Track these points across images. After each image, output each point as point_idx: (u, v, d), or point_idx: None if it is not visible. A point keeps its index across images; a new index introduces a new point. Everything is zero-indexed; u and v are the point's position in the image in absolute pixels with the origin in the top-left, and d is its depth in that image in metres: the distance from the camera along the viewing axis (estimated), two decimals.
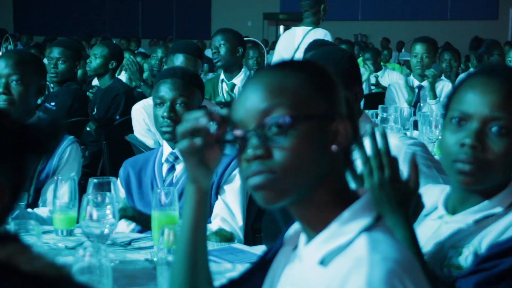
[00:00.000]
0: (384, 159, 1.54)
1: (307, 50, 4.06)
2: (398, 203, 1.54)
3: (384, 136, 1.55)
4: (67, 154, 2.90)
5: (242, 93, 1.27)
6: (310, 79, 1.26)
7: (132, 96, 5.38)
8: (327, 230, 1.24)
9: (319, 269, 1.23)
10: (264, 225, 2.91)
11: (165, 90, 2.79)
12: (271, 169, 1.21)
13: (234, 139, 1.26)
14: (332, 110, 1.25)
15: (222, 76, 4.93)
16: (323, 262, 1.23)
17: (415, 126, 4.44)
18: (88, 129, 4.95)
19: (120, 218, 2.51)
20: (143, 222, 2.60)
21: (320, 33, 5.88)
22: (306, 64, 1.32)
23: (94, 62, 5.27)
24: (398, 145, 2.35)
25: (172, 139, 2.79)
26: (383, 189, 1.53)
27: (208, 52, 12.40)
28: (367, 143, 1.53)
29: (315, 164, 1.23)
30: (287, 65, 1.30)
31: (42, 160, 2.86)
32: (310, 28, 6.05)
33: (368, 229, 1.23)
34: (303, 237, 1.30)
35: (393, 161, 1.55)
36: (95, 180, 2.39)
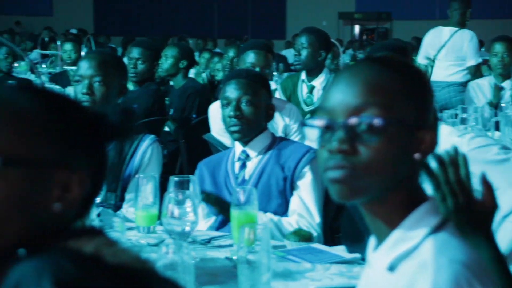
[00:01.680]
0: (455, 187, 1.49)
1: (375, 50, 4.02)
2: (477, 224, 1.50)
3: (454, 163, 1.49)
4: (149, 153, 2.96)
5: (337, 82, 1.25)
6: (408, 83, 1.24)
7: (207, 94, 5.44)
8: (394, 234, 1.23)
9: (388, 275, 1.22)
10: (342, 225, 2.90)
11: (230, 90, 2.82)
12: (354, 165, 1.20)
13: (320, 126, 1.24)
14: (423, 118, 1.24)
15: (303, 76, 4.91)
16: (392, 268, 1.22)
17: (497, 127, 4.35)
18: (167, 129, 5.02)
19: (202, 200, 2.55)
20: (223, 210, 2.62)
21: (467, 34, 6.31)
22: (406, 67, 1.29)
23: (165, 63, 5.35)
24: (459, 143, 2.29)
25: (241, 138, 2.82)
26: (459, 214, 1.49)
27: (286, 52, 12.44)
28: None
29: (396, 168, 1.22)
30: (388, 63, 1.28)
31: (125, 159, 2.92)
32: (457, 28, 6.37)
33: (434, 231, 1.21)
34: (372, 242, 1.30)
35: (465, 187, 1.50)
36: (176, 179, 2.44)
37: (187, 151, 4.50)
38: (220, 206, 2.66)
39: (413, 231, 1.21)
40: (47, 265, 0.93)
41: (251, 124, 2.81)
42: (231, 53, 6.11)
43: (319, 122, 1.24)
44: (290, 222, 2.67)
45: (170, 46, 5.67)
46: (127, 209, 2.86)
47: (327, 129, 1.23)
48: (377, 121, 1.20)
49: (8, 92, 1.03)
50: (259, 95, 2.84)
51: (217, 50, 12.59)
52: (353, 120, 1.21)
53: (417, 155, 1.23)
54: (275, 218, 2.67)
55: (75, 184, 1.03)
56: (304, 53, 4.80)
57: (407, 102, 1.23)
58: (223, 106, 2.84)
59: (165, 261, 1.76)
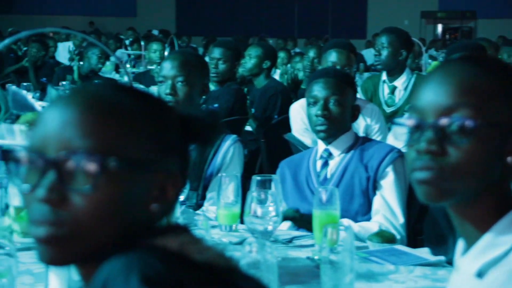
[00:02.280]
0: None
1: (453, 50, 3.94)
2: None
3: None
4: (231, 153, 2.98)
5: (428, 82, 1.23)
6: (503, 83, 1.21)
7: (288, 95, 5.44)
8: (484, 239, 1.19)
9: (476, 282, 1.19)
10: (425, 227, 2.85)
11: (318, 89, 2.81)
12: (442, 167, 1.18)
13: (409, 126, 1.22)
14: None
15: (384, 77, 4.86)
16: (480, 274, 1.19)
17: None
18: (248, 128, 5.05)
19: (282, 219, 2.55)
20: (304, 223, 2.62)
21: None
22: (501, 66, 1.25)
23: (248, 62, 5.37)
24: None
25: (327, 138, 2.81)
26: None
27: (365, 52, 12.34)
28: None
29: (487, 171, 1.19)
30: (481, 62, 1.24)
31: (207, 158, 2.94)
32: None
33: None
34: (460, 245, 1.27)
35: None
36: (258, 178, 2.44)
37: (267, 150, 4.51)
38: (299, 220, 2.66)
39: (504, 237, 1.18)
40: (134, 262, 0.94)
41: (337, 124, 2.80)
42: (311, 54, 6.09)
43: (408, 121, 1.22)
44: (372, 227, 2.63)
45: (254, 46, 5.70)
46: (207, 208, 2.89)
47: (416, 129, 1.21)
48: (468, 123, 1.17)
49: (113, 92, 1.05)
50: (346, 95, 2.83)
51: (297, 50, 12.60)
52: (443, 121, 1.18)
53: (510, 159, 1.19)
54: (356, 227, 2.64)
55: (170, 185, 1.04)
56: (384, 53, 4.74)
57: (501, 103, 1.19)
58: (310, 104, 2.84)
59: (249, 259, 1.76)
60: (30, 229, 1.00)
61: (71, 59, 9.39)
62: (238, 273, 1.03)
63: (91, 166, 0.97)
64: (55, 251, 0.99)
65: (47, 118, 1.02)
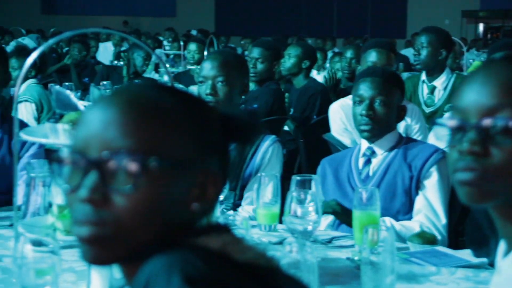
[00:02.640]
0: None
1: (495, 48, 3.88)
2: None
3: None
4: (270, 153, 2.97)
5: (471, 82, 1.22)
6: None
7: (328, 95, 5.42)
8: None
9: None
10: (467, 229, 2.82)
11: (364, 89, 2.80)
12: (484, 168, 1.16)
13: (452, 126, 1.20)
14: None
15: (423, 77, 4.81)
16: None
17: None
18: (286, 128, 5.04)
19: (323, 212, 2.54)
20: (345, 218, 2.61)
21: None
22: None
23: (288, 62, 5.36)
24: None
25: (371, 138, 2.80)
26: None
27: (405, 51, 12.24)
28: None
29: None
30: None
31: (245, 158, 2.95)
32: None
33: None
34: (502, 247, 1.25)
35: None
36: (298, 178, 2.44)
37: (306, 150, 4.50)
38: (340, 214, 2.65)
39: None
40: (176, 261, 0.95)
41: (382, 124, 2.78)
42: (349, 54, 6.06)
43: (450, 122, 1.20)
44: (413, 226, 2.62)
45: (293, 45, 5.69)
46: (243, 207, 2.89)
47: (459, 130, 1.19)
48: None
49: (155, 92, 1.05)
50: (392, 96, 2.81)
51: (336, 49, 12.55)
52: (486, 121, 1.16)
53: None
54: (397, 225, 2.63)
55: (211, 184, 1.05)
56: (424, 52, 4.70)
57: None
58: (355, 103, 2.83)
59: (289, 259, 1.76)
60: (73, 228, 1.02)
61: (117, 59, 9.48)
62: (279, 273, 1.03)
63: (132, 166, 0.98)
64: (98, 250, 1.01)
65: (89, 119, 1.03)
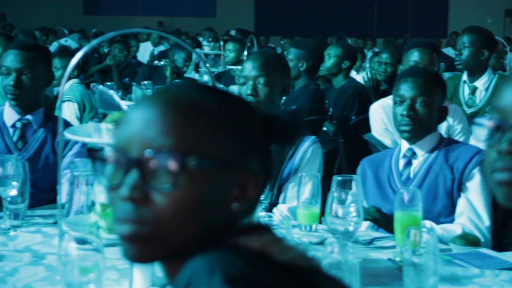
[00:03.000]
0: None
1: None
2: None
3: None
4: (309, 154, 2.97)
5: (510, 82, 1.20)
6: None
7: (367, 95, 5.39)
8: None
9: None
10: (511, 230, 2.79)
11: (406, 89, 2.77)
12: None
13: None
14: None
15: (464, 77, 4.75)
16: None
17: None
18: (325, 128, 5.03)
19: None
20: (384, 224, 2.60)
21: None
22: None
23: (328, 62, 5.34)
24: None
25: (411, 138, 2.77)
26: None
27: (446, 51, 12.12)
28: None
29: None
30: None
31: (284, 159, 2.95)
32: None
33: None
34: None
35: None
36: (339, 178, 2.43)
37: (346, 150, 4.48)
38: (381, 221, 2.63)
39: None
40: (217, 261, 0.95)
41: (423, 125, 2.76)
42: (383, 58, 6.02)
43: (489, 122, 1.19)
44: (455, 230, 2.59)
45: (333, 45, 5.67)
46: (277, 207, 2.89)
47: (497, 130, 1.18)
48: None
49: (197, 92, 1.06)
50: (434, 96, 2.79)
51: (376, 49, 12.46)
52: None
53: None
54: (438, 229, 2.59)
55: (251, 184, 1.05)
56: (465, 52, 4.63)
57: None
58: (396, 103, 2.80)
59: (330, 260, 1.76)
60: (114, 226, 1.03)
61: (158, 59, 9.54)
62: (320, 273, 1.03)
63: (172, 165, 0.99)
64: (139, 248, 1.01)
65: (131, 118, 1.04)
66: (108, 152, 1.04)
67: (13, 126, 3.00)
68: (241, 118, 1.06)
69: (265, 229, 1.06)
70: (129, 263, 1.92)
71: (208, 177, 1.01)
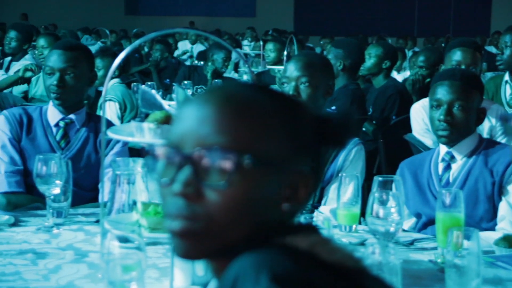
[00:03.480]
0: None
1: None
2: None
3: None
4: (352, 155, 2.95)
5: None
6: None
7: (408, 95, 5.34)
8: None
9: None
10: None
11: (442, 93, 2.73)
12: None
13: None
14: None
15: (506, 77, 4.68)
16: None
17: None
18: (364, 129, 5.00)
19: None
20: None
21: None
22: None
23: (368, 61, 5.31)
24: None
25: (449, 143, 2.73)
26: None
27: (490, 49, 11.97)
28: None
29: None
30: None
31: (327, 160, 2.94)
32: None
33: None
34: None
35: None
36: (380, 178, 2.41)
37: (386, 151, 4.45)
38: None
39: None
40: (265, 260, 0.95)
41: (461, 129, 2.71)
42: (421, 58, 5.96)
43: None
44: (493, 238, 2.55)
45: (374, 45, 5.64)
46: (319, 209, 2.88)
47: None
48: None
49: (251, 91, 1.06)
50: (472, 99, 2.74)
51: (416, 49, 12.36)
52: None
53: None
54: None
55: (302, 185, 1.05)
56: (507, 52, 4.56)
57: None
58: (432, 107, 2.76)
59: (371, 261, 1.75)
60: (165, 222, 1.04)
61: (198, 59, 9.59)
62: (367, 275, 1.03)
63: (226, 163, 0.99)
64: (190, 245, 1.02)
65: (185, 115, 1.05)
66: (161, 149, 1.04)
67: (57, 125, 3.03)
68: (294, 118, 1.06)
69: (313, 229, 1.06)
70: (175, 260, 1.93)
71: (261, 176, 1.01)
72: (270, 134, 1.03)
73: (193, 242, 1.02)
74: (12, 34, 6.95)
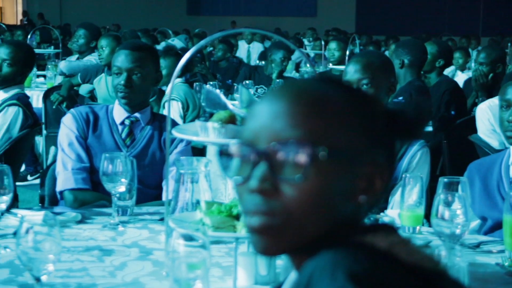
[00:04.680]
0: None
1: None
2: None
3: None
4: (417, 157, 2.91)
5: None
6: None
7: (462, 92, 5.29)
8: None
9: None
10: None
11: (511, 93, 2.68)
12: None
13: None
14: None
15: None
16: None
17: None
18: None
19: None
20: None
21: None
22: None
23: None
24: None
25: None
26: None
27: None
28: None
29: None
30: None
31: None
32: None
33: None
34: None
35: None
36: (445, 180, 2.38)
37: (449, 151, 4.39)
38: None
39: None
40: (343, 258, 0.95)
41: None
42: (482, 56, 5.87)
43: None
44: None
45: (429, 43, 5.60)
46: (386, 212, 2.85)
47: None
48: None
49: (323, 85, 1.06)
50: None
51: (480, 48, 12.14)
52: None
53: None
54: None
55: (377, 177, 1.04)
56: None
57: None
58: (502, 107, 2.71)
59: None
60: (244, 219, 1.04)
61: (260, 59, 9.63)
62: (446, 277, 1.01)
63: (301, 156, 0.99)
64: (268, 240, 1.02)
65: (258, 112, 1.05)
66: (235, 147, 1.05)
67: (122, 123, 3.08)
68: (366, 110, 1.05)
69: (392, 229, 1.05)
70: (240, 259, 1.94)
71: (336, 168, 1.01)
72: (344, 126, 1.02)
73: (271, 238, 1.02)
74: (81, 32, 7.11)
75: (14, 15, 25.14)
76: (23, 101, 4.12)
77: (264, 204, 1.01)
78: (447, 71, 8.42)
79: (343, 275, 0.91)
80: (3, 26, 15.10)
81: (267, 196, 1.01)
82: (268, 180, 1.01)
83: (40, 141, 6.52)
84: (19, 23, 21.99)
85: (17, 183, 4.11)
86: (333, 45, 7.48)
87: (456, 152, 4.31)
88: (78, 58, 7.22)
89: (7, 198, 2.24)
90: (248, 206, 1.03)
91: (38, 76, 7.51)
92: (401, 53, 4.87)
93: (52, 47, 11.08)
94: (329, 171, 1.00)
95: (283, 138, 1.01)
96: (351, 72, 2.99)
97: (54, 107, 6.22)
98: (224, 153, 1.06)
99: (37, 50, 8.28)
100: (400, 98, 4.64)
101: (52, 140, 6.29)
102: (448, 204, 2.20)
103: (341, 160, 1.01)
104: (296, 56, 11.79)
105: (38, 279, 1.68)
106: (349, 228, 1.03)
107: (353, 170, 1.02)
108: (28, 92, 5.34)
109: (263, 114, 1.04)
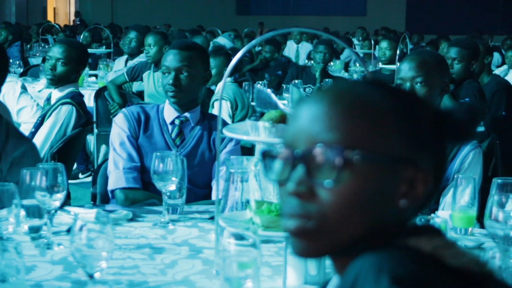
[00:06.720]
0: None
1: None
2: None
3: None
4: (470, 158, 2.87)
5: None
6: None
7: None
8: None
9: None
10: None
11: None
12: None
13: None
14: None
15: None
16: None
17: None
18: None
19: None
20: None
21: None
22: None
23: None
24: None
25: None
26: None
27: None
28: None
29: None
30: None
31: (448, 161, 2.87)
32: None
33: None
34: None
35: None
36: (499, 181, 2.34)
37: (502, 152, 4.32)
38: None
39: None
40: (387, 261, 0.94)
41: None
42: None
43: None
44: None
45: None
46: (437, 213, 2.82)
47: None
48: None
49: (364, 88, 1.05)
50: None
51: None
52: None
53: None
54: None
55: (420, 181, 1.03)
56: None
57: None
58: None
59: (492, 265, 1.69)
60: (282, 221, 1.04)
61: (308, 59, 9.62)
62: (493, 280, 0.99)
63: (336, 160, 0.99)
64: (305, 243, 1.02)
65: (299, 115, 1.05)
66: (278, 149, 1.05)
67: (172, 123, 3.10)
68: (410, 113, 1.04)
69: (436, 232, 1.04)
70: (291, 259, 1.94)
71: (373, 172, 1.00)
72: (383, 129, 1.01)
73: (308, 241, 1.02)
74: (132, 34, 7.19)
75: (67, 16, 25.56)
76: (77, 100, 4.18)
77: (300, 207, 1.01)
78: (499, 70, 8.30)
79: (388, 278, 0.90)
80: (57, 26, 15.37)
81: (303, 199, 1.01)
82: (304, 183, 1.01)
83: (91, 139, 6.61)
84: (71, 23, 22.34)
85: (69, 181, 4.17)
86: (384, 44, 7.42)
87: (509, 153, 4.24)
88: (127, 60, 7.29)
89: (61, 196, 2.27)
90: (286, 209, 1.03)
91: (90, 75, 7.62)
92: (462, 54, 4.85)
93: (104, 47, 11.22)
94: (365, 175, 1.00)
95: (320, 141, 1.00)
96: (405, 69, 2.96)
97: (112, 117, 6.28)
98: (266, 155, 1.06)
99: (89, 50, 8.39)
100: (467, 99, 4.58)
101: (103, 138, 6.38)
102: (502, 206, 2.16)
103: (378, 164, 1.00)
104: (345, 55, 11.73)
105: (91, 276, 1.71)
106: (391, 231, 1.02)
107: (392, 174, 1.01)
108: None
109: (303, 117, 1.04)
